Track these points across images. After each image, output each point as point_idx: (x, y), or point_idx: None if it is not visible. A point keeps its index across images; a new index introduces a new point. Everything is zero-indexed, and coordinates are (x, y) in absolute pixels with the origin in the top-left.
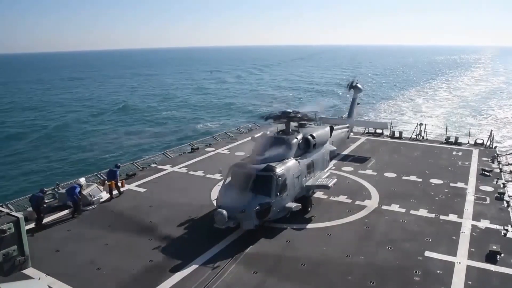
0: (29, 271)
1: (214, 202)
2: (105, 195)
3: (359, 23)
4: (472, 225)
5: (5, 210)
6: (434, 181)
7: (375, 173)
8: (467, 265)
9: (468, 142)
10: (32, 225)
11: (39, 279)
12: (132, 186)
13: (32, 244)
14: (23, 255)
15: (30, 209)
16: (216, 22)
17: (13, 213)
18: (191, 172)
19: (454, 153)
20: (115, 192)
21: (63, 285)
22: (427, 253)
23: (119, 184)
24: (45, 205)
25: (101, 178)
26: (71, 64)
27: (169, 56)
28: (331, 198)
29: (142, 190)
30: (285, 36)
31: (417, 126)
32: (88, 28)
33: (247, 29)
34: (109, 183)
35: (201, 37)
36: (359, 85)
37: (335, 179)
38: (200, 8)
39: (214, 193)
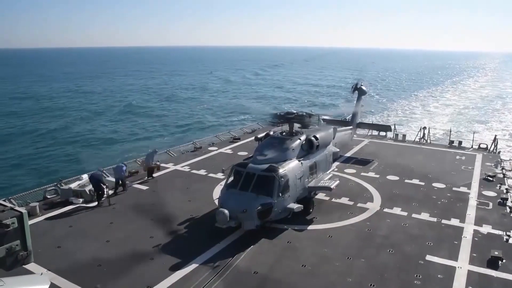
0: (31, 266)
1: (216, 202)
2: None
3: (358, 25)
4: (474, 230)
5: (9, 205)
6: (437, 185)
7: (377, 176)
8: (468, 270)
9: (472, 147)
10: (34, 220)
11: (42, 274)
12: (135, 184)
13: (33, 240)
14: (26, 250)
15: (32, 204)
16: (215, 22)
17: (17, 208)
18: (194, 171)
19: (458, 157)
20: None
21: (64, 281)
22: (428, 257)
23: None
24: (105, 184)
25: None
26: (91, 60)
27: (175, 55)
28: (333, 199)
29: (144, 188)
30: (284, 37)
31: (420, 129)
32: (87, 25)
33: (246, 29)
34: (149, 166)
35: (199, 36)
36: (363, 87)
37: (338, 181)
38: (200, 8)
39: (216, 193)
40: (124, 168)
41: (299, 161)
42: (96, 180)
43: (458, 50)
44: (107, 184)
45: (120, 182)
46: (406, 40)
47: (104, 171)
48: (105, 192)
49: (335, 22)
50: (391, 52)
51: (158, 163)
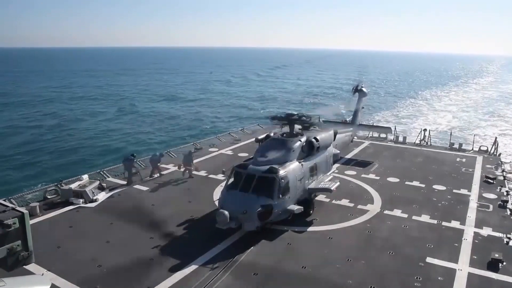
0: (30, 266)
1: (216, 203)
2: (107, 193)
3: (357, 27)
4: (475, 232)
5: (10, 205)
6: (437, 187)
7: (378, 178)
8: (469, 273)
9: (472, 149)
10: (34, 221)
11: (42, 274)
12: (135, 185)
13: (34, 240)
14: (27, 250)
15: (32, 204)
16: (215, 23)
17: (18, 208)
18: (194, 172)
19: (458, 159)
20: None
21: (63, 281)
22: (429, 259)
23: (192, 168)
24: (134, 168)
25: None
26: (114, 61)
27: (179, 55)
28: (333, 201)
29: (144, 188)
30: (283, 39)
31: (421, 131)
32: (88, 25)
33: (244, 31)
34: (184, 167)
35: (199, 38)
36: (364, 89)
37: (338, 183)
38: (201, 9)
39: (217, 194)
40: (158, 156)
41: (299, 162)
42: (128, 164)
43: (460, 53)
44: (137, 169)
45: (154, 169)
46: (406, 42)
47: (135, 156)
48: (133, 174)
49: (335, 24)
50: (393, 54)
51: (197, 166)
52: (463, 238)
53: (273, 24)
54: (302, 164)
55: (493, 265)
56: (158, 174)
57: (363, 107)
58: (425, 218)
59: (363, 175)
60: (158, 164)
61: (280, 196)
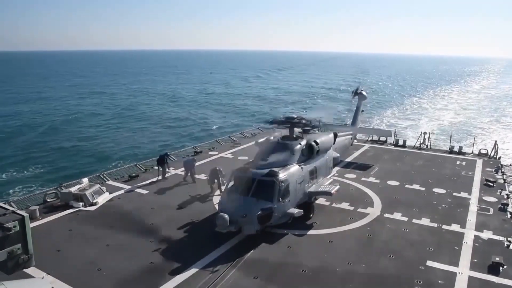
0: (31, 270)
1: (216, 206)
2: (107, 196)
3: (357, 30)
4: (475, 235)
5: (10, 208)
6: (437, 190)
7: (378, 181)
8: (469, 276)
9: (472, 152)
10: (34, 224)
11: (43, 278)
12: (135, 188)
13: (33, 243)
14: (27, 253)
15: (32, 207)
16: (216, 25)
17: (18, 212)
18: (194, 175)
19: (458, 162)
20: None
21: (63, 285)
22: (429, 263)
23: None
24: (167, 163)
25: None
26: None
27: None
28: (333, 205)
29: (144, 192)
30: (282, 41)
31: (421, 134)
32: (87, 27)
33: (244, 33)
34: (213, 184)
35: (200, 40)
36: (363, 93)
37: (338, 186)
38: (200, 10)
39: (216, 197)
40: (191, 160)
41: (299, 166)
42: (161, 160)
43: (459, 55)
44: (168, 165)
45: (189, 173)
46: (406, 45)
47: (169, 154)
48: (166, 170)
49: (333, 28)
50: (392, 57)
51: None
52: (463, 242)
53: (274, 26)
54: (302, 168)
55: (493, 269)
56: (191, 179)
57: (363, 110)
58: (425, 221)
59: (363, 178)
60: (192, 169)
61: (280, 199)
